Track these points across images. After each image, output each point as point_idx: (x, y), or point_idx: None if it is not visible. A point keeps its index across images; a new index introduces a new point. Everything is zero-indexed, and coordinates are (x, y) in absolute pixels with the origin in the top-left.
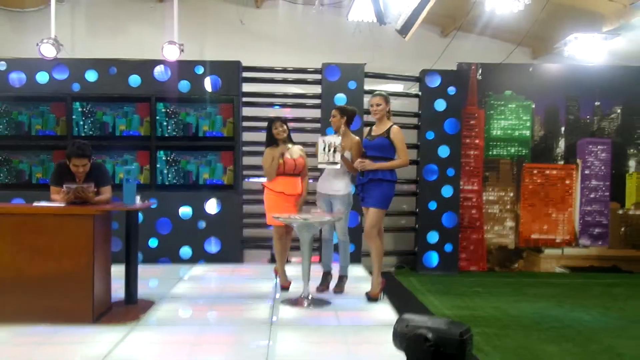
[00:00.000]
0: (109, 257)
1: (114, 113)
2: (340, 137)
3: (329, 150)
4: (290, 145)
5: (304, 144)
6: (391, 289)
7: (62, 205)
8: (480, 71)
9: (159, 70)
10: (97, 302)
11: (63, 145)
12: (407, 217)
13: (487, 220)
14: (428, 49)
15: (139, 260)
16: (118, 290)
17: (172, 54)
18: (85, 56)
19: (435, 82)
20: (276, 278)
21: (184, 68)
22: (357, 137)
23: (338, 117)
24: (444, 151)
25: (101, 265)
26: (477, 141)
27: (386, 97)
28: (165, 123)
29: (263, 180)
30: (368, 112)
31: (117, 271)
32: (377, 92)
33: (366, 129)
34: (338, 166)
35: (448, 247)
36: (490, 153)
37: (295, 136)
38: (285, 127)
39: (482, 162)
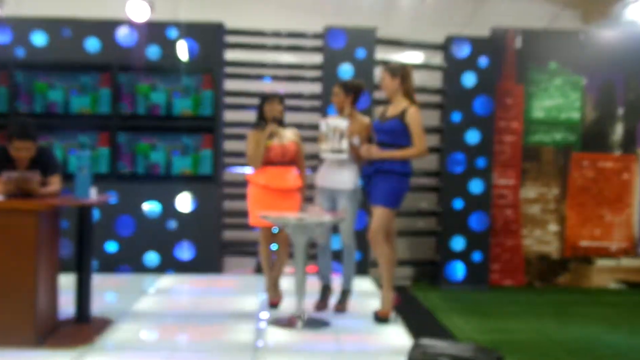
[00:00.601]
0: (56, 263)
1: (67, 85)
2: (347, 120)
3: (334, 135)
4: (280, 128)
5: (299, 127)
6: (406, 307)
7: (0, 198)
8: (519, 39)
9: (122, 33)
10: (40, 319)
11: (2, 123)
12: (426, 219)
13: (525, 223)
14: (455, 11)
15: (94, 269)
16: (67, 305)
17: (139, 13)
18: (32, 14)
19: (463, 51)
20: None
21: (154, 31)
22: (367, 119)
23: (342, 96)
24: (473, 136)
25: (46, 273)
26: (514, 125)
27: (394, 69)
28: (129, 98)
29: (247, 170)
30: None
31: (67, 281)
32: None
33: (379, 109)
34: (345, 156)
35: (477, 256)
36: (530, 139)
37: (289, 116)
38: (281, 106)
39: (520, 150)
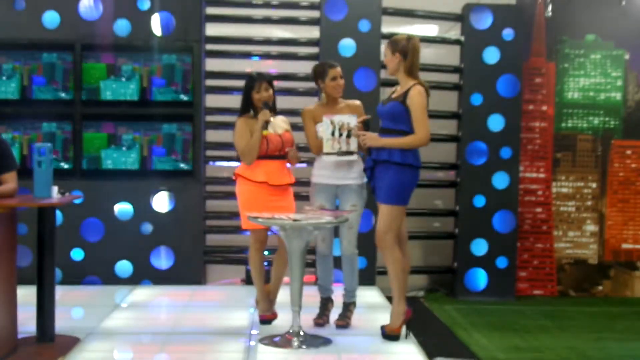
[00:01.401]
0: (13, 274)
1: (22, 67)
2: (355, 117)
3: (340, 134)
4: (273, 116)
5: (294, 113)
6: (419, 321)
7: None
8: (550, 6)
9: (85, 5)
10: None
11: None
12: (443, 219)
13: (558, 223)
14: None
15: (57, 280)
16: (27, 322)
17: None
18: None
19: (484, 22)
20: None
21: (122, 1)
22: (357, 101)
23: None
24: (496, 122)
25: (2, 285)
26: (544, 108)
27: (394, 43)
28: (94, 81)
29: (236, 164)
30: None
31: (26, 295)
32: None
33: (387, 90)
34: (355, 157)
35: (501, 262)
36: (563, 125)
37: (282, 100)
38: (271, 89)
39: (552, 138)
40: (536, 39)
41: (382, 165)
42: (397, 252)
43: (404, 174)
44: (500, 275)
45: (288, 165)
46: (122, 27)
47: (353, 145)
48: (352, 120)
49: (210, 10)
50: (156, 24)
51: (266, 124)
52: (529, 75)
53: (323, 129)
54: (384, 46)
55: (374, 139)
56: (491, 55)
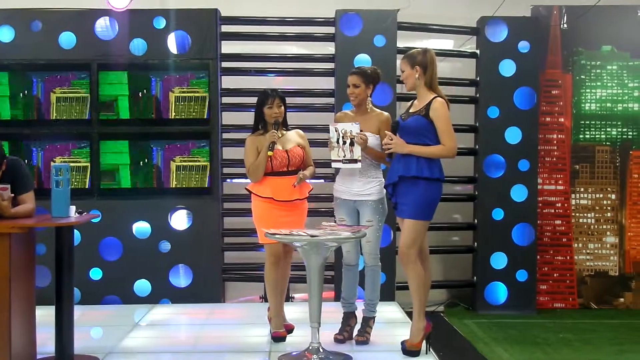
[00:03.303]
0: (32, 294)
1: (39, 86)
2: (358, 124)
3: (345, 142)
4: (282, 132)
5: (310, 128)
6: (440, 336)
7: None
8: (565, 18)
9: (102, 25)
10: (15, 358)
11: None
12: (462, 233)
13: (577, 235)
14: None
15: (76, 300)
16: (46, 342)
17: (120, 1)
18: None
19: (500, 34)
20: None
21: (138, 21)
22: (386, 113)
23: (363, 87)
24: (513, 135)
25: (22, 305)
26: (561, 120)
27: (413, 57)
28: (111, 100)
29: (249, 182)
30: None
31: (44, 315)
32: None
33: (404, 105)
34: (358, 165)
35: (521, 275)
36: (581, 137)
37: (298, 116)
38: (283, 107)
39: (570, 150)
40: (552, 50)
41: (409, 181)
42: (419, 267)
43: (431, 188)
44: (521, 289)
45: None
46: (138, 46)
47: (357, 153)
48: (354, 128)
49: (226, 28)
50: (172, 43)
51: (273, 144)
52: (545, 87)
53: (330, 137)
54: (400, 62)
55: (401, 145)
56: (507, 67)
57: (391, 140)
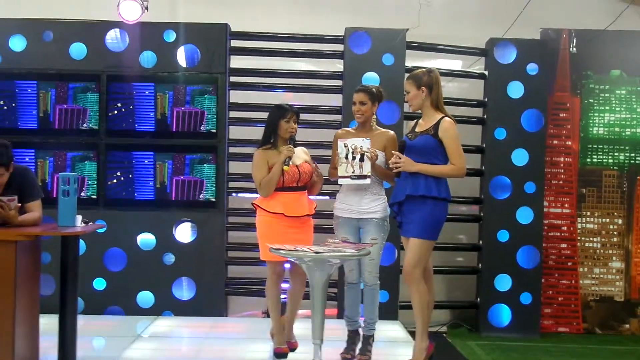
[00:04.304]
0: (36, 302)
1: (48, 96)
2: (369, 140)
3: (354, 158)
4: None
5: (317, 145)
6: (442, 357)
7: None
8: (574, 42)
9: (112, 37)
10: None
11: None
12: (466, 254)
13: (583, 260)
14: (498, 9)
15: (80, 310)
16: (49, 350)
17: (131, 13)
18: (8, 15)
19: (508, 56)
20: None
21: (148, 34)
22: (391, 132)
23: (369, 104)
24: (520, 157)
25: (26, 314)
26: (569, 143)
27: (419, 78)
28: (120, 111)
29: (254, 196)
30: None
31: (48, 324)
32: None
33: (409, 124)
34: (368, 181)
35: (525, 298)
36: (588, 161)
37: (305, 133)
38: (296, 125)
39: (577, 173)
40: (560, 73)
41: (417, 200)
42: (423, 286)
43: (438, 208)
44: (525, 312)
45: (311, 195)
46: (148, 58)
47: (366, 169)
48: (365, 144)
49: (235, 43)
50: (181, 56)
51: (289, 159)
52: (553, 110)
53: (338, 152)
54: (404, 83)
55: (410, 163)
56: (515, 89)
57: (399, 159)
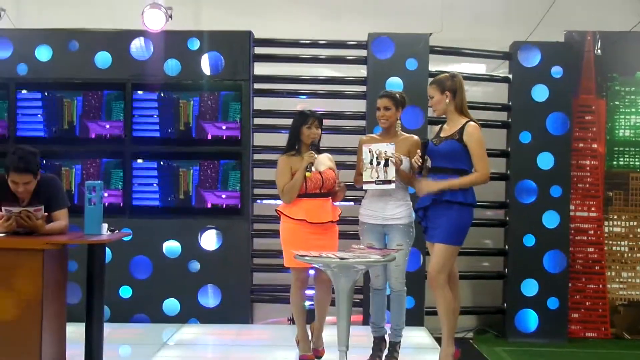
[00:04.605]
0: (63, 311)
1: (74, 105)
2: (393, 145)
3: (378, 163)
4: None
5: (340, 151)
6: None
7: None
8: (599, 44)
9: (137, 46)
10: None
11: (2, 150)
12: (492, 258)
13: (610, 263)
14: (522, 11)
15: (106, 318)
16: (75, 358)
17: (155, 21)
18: (35, 26)
19: (533, 59)
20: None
21: (173, 42)
22: (415, 137)
23: (393, 110)
24: (546, 161)
25: (53, 322)
26: (595, 146)
27: (442, 82)
28: (145, 119)
29: (279, 203)
30: None
31: (74, 332)
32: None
33: (434, 129)
34: (393, 186)
35: (552, 303)
36: (615, 163)
37: (329, 138)
38: (320, 130)
39: (603, 176)
40: (585, 76)
41: (442, 205)
42: (448, 292)
43: (464, 213)
44: (552, 317)
45: (335, 202)
46: (172, 66)
47: (391, 174)
48: (389, 149)
49: (259, 50)
50: (205, 64)
51: (310, 165)
52: (578, 113)
53: (362, 158)
54: (428, 88)
55: (430, 184)
56: (540, 92)
57: (419, 183)
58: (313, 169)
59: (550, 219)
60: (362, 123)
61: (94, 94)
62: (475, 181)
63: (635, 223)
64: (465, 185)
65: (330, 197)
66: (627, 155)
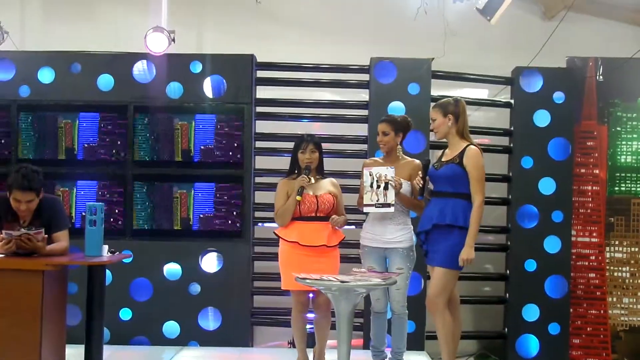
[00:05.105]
0: (63, 332)
1: (75, 126)
2: (393, 168)
3: (379, 186)
4: (314, 178)
5: (343, 175)
6: None
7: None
8: (601, 69)
9: (139, 68)
10: None
11: (4, 171)
12: (494, 283)
13: (612, 289)
14: (524, 37)
15: (106, 340)
16: None
17: (158, 44)
18: (38, 48)
19: (535, 85)
20: None
21: (175, 65)
22: (417, 161)
23: (392, 135)
24: (547, 186)
25: (52, 343)
26: (596, 171)
27: (445, 106)
28: (147, 142)
29: (275, 225)
30: None
31: (74, 354)
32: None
33: (436, 153)
34: (391, 209)
35: (554, 329)
36: (616, 189)
37: (331, 162)
38: (317, 153)
39: (605, 202)
40: (587, 102)
41: (443, 229)
42: (447, 316)
43: (465, 237)
44: (553, 342)
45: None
46: (174, 89)
47: (390, 197)
48: (389, 172)
49: (261, 74)
50: (208, 87)
51: (302, 189)
52: (580, 139)
53: (364, 180)
54: (430, 111)
55: (468, 252)
56: (542, 118)
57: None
58: (310, 192)
59: (552, 244)
60: (364, 147)
61: (96, 116)
62: (479, 217)
63: (636, 249)
64: (476, 227)
65: (327, 222)
66: (628, 181)
